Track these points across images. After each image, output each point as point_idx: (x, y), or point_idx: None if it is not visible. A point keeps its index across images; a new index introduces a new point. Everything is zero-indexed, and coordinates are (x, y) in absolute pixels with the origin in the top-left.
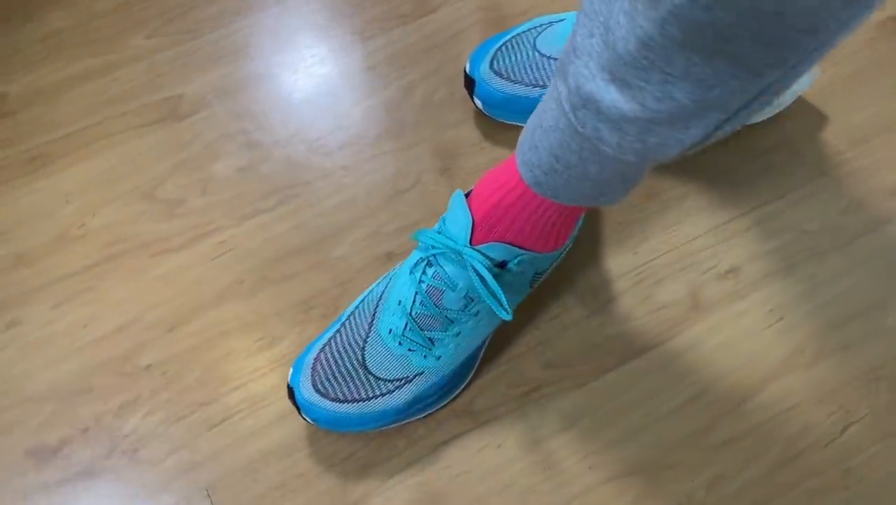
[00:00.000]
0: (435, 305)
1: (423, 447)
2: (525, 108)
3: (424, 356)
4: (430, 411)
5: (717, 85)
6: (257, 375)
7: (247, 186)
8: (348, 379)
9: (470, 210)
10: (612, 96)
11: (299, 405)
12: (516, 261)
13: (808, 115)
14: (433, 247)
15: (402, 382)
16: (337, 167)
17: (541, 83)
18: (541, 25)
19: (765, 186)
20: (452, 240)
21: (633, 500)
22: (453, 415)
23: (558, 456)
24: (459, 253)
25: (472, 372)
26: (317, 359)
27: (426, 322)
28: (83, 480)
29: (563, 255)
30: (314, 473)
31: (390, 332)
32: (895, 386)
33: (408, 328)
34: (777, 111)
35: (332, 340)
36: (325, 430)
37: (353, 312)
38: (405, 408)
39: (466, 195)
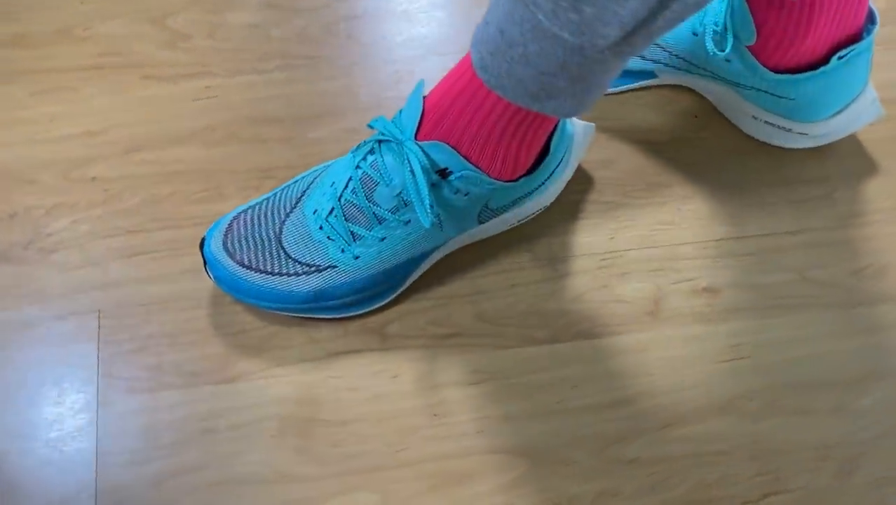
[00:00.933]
0: (366, 196)
1: (320, 350)
2: None
3: (342, 250)
4: (337, 316)
5: None
6: (189, 223)
7: (252, 43)
8: (259, 247)
9: (424, 99)
10: None
11: (205, 258)
12: (459, 174)
13: (856, 159)
14: (382, 134)
15: (312, 269)
16: (344, 54)
17: None
18: None
19: (781, 217)
20: (399, 129)
21: (512, 481)
22: (363, 329)
23: (451, 409)
24: (401, 144)
25: (394, 294)
26: (236, 218)
27: (353, 213)
28: None
29: (516, 202)
30: (205, 334)
31: (315, 212)
32: (843, 473)
33: (333, 214)
34: (826, 142)
35: (257, 206)
36: (229, 298)
37: (287, 186)
38: (308, 298)
39: None
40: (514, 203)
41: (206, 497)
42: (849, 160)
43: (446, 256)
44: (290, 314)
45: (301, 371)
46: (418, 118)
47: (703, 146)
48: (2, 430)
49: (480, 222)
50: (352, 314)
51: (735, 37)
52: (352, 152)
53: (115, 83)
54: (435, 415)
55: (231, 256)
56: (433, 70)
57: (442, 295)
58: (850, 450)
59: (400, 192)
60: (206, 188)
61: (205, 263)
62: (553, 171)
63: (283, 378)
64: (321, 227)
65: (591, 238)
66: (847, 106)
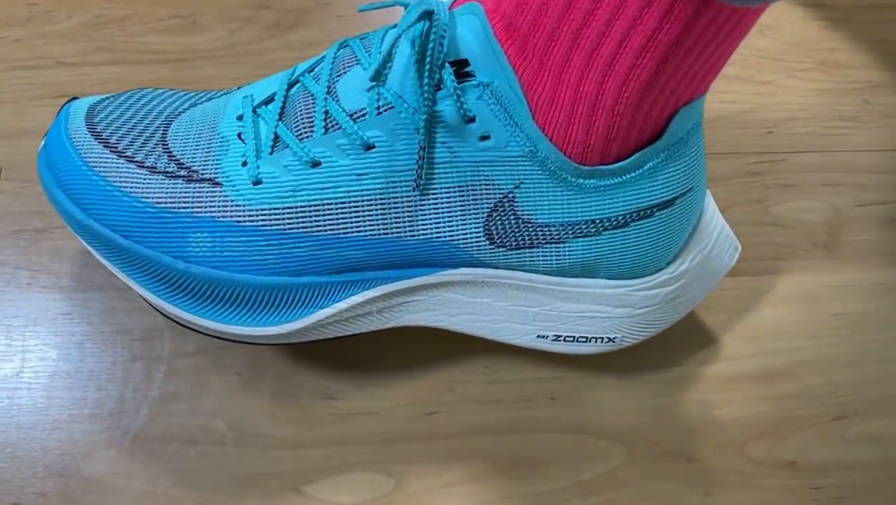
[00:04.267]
0: (328, 83)
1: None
2: None
3: (244, 161)
4: (164, 301)
5: None
6: (144, 60)
7: None
8: (133, 123)
9: None
10: None
11: (57, 116)
12: (487, 82)
13: None
14: None
15: (182, 173)
16: None
17: None
18: None
19: None
20: None
21: (603, 475)
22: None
23: (501, 362)
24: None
25: (287, 322)
26: (142, 90)
27: (295, 110)
28: None
29: (572, 228)
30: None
31: (247, 97)
32: None
33: (271, 104)
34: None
35: (191, 93)
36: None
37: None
38: (146, 227)
39: None
40: (556, 232)
41: (124, 457)
42: None
43: None
44: (105, 258)
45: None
46: None
47: None
48: None
49: (490, 241)
50: (212, 322)
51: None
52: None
53: None
54: (486, 366)
55: (88, 118)
56: None
57: None
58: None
59: (374, 87)
60: (176, 15)
61: (56, 118)
62: (650, 211)
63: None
64: (239, 118)
65: (741, 130)
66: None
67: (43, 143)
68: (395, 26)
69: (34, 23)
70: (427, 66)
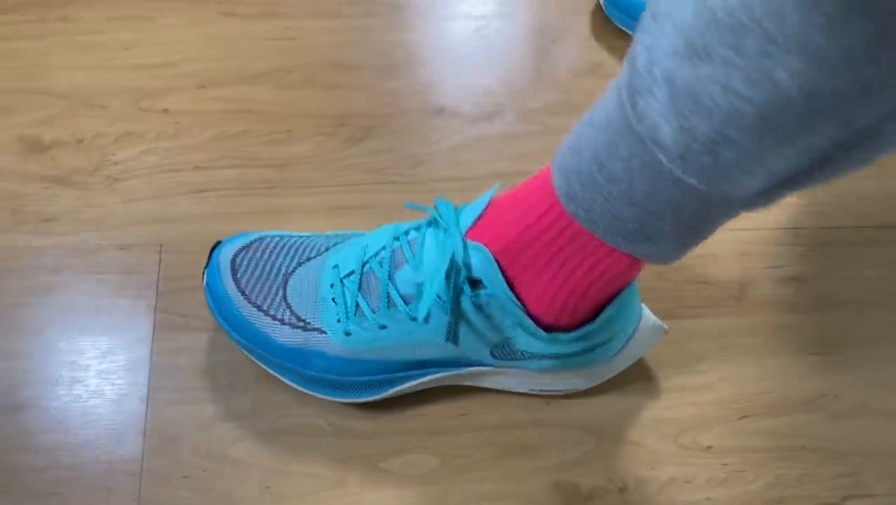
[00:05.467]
0: (389, 272)
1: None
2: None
3: (339, 319)
4: (313, 392)
5: (843, 67)
6: (256, 165)
7: None
8: (264, 278)
9: (489, 202)
10: (685, 74)
11: (210, 260)
12: (490, 292)
13: None
14: (436, 214)
15: (300, 324)
16: (429, 4)
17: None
18: None
19: (876, 209)
20: (454, 216)
21: (577, 458)
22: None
23: None
24: (447, 232)
25: (382, 395)
26: (261, 239)
27: (369, 285)
28: (58, 185)
29: (539, 357)
30: None
31: (335, 267)
32: None
33: (350, 277)
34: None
35: (286, 238)
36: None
37: (328, 235)
38: (281, 352)
39: None
40: (537, 357)
41: (256, 444)
42: None
43: None
44: (260, 362)
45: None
46: (477, 215)
47: None
48: (52, 357)
49: (494, 357)
50: (329, 398)
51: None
52: (402, 224)
53: (192, 16)
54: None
55: (234, 273)
56: (507, 29)
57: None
58: None
59: (422, 282)
60: (277, 130)
61: (207, 264)
62: (595, 348)
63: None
64: (332, 286)
65: None
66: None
67: (204, 281)
68: (430, 224)
69: (178, 137)
70: (453, 284)
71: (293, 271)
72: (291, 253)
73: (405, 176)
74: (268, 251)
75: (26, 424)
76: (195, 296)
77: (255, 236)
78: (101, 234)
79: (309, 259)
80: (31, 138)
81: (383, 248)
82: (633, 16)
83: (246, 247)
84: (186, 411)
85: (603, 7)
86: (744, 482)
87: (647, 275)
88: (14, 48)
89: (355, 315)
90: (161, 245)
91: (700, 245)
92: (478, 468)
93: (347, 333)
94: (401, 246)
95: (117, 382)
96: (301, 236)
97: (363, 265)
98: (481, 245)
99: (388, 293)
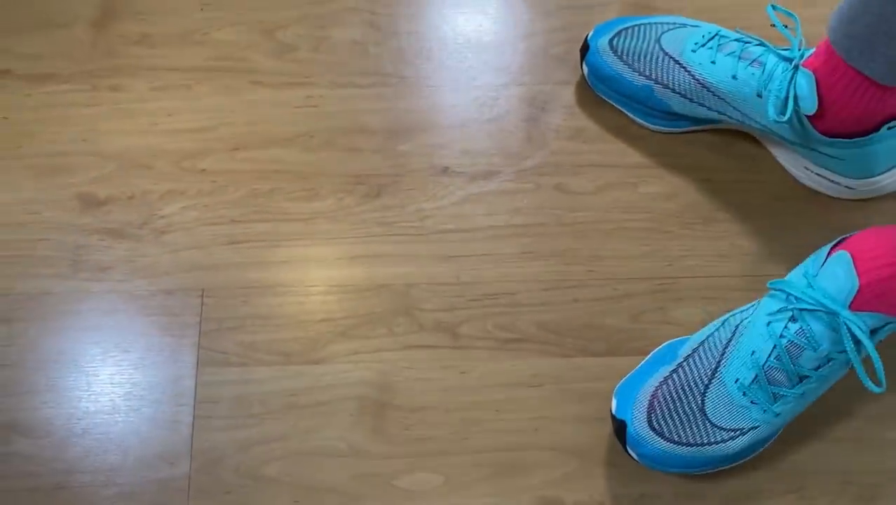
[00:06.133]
0: (791, 361)
1: (397, 342)
2: (625, 90)
3: (764, 410)
4: (749, 458)
5: None
6: (287, 218)
7: (353, 59)
8: (685, 421)
9: (857, 272)
10: None
11: (629, 439)
12: (887, 328)
13: None
14: (798, 299)
15: (738, 432)
16: (435, 76)
17: (649, 74)
18: (673, 24)
19: None
20: (829, 299)
21: (562, 476)
22: (437, 327)
23: (512, 406)
24: (836, 315)
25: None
26: (654, 396)
27: (775, 377)
28: (112, 236)
29: None
30: (296, 319)
31: (736, 381)
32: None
33: (756, 381)
34: (871, 196)
35: (670, 379)
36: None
37: (693, 353)
38: (735, 457)
39: (837, 243)
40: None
41: (287, 464)
42: (892, 214)
43: (515, 270)
44: (705, 471)
45: (380, 359)
46: (854, 293)
47: (759, 188)
48: (110, 389)
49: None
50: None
51: (796, 105)
52: (767, 317)
53: (226, 86)
54: (497, 410)
55: (660, 435)
56: (503, 98)
57: (508, 302)
58: (866, 477)
59: (828, 354)
60: (304, 188)
61: (625, 442)
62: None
63: (363, 364)
64: (744, 394)
65: (650, 263)
66: (893, 168)
67: (636, 455)
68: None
69: (215, 194)
70: (870, 343)
71: (702, 404)
72: (687, 391)
73: (414, 228)
74: (668, 402)
75: (88, 448)
76: (233, 335)
77: (642, 396)
78: (150, 280)
79: (707, 387)
80: (87, 195)
81: (774, 347)
82: (613, 87)
83: (647, 410)
84: (227, 436)
85: (586, 79)
86: None
87: (623, 315)
88: (70, 114)
89: (775, 401)
90: (203, 290)
91: (668, 290)
92: (477, 486)
93: (777, 414)
94: (791, 341)
95: (167, 410)
96: (673, 372)
97: (763, 368)
98: (878, 314)
99: (798, 374)
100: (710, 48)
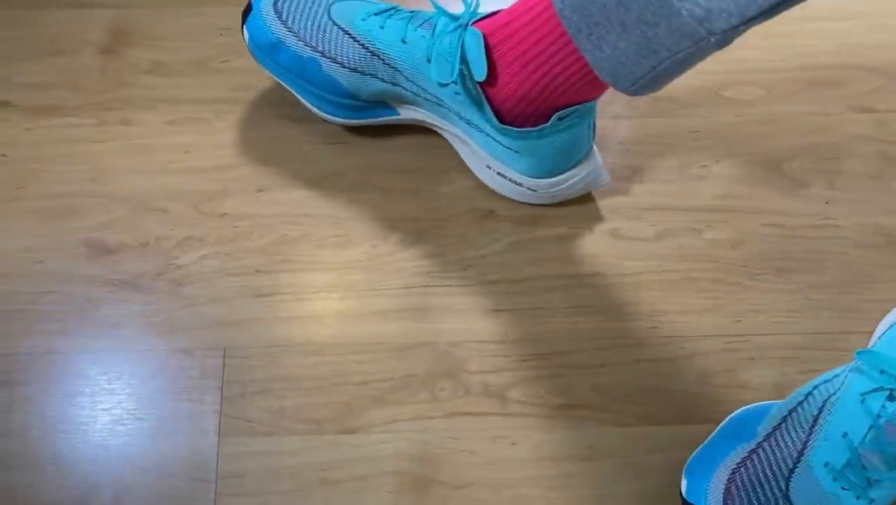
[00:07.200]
0: (889, 442)
1: (441, 408)
2: (289, 63)
3: (858, 497)
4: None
5: None
6: (317, 267)
7: None
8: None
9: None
10: None
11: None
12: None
13: None
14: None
15: None
16: None
17: (315, 46)
18: None
19: None
20: None
21: None
22: (485, 392)
23: (565, 483)
24: None
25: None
26: (731, 480)
27: (871, 460)
28: (123, 289)
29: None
30: (328, 381)
31: (826, 465)
32: None
33: (848, 465)
34: (554, 201)
35: (749, 460)
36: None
37: (774, 431)
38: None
39: None
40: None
41: None
42: None
43: (568, 326)
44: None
45: (421, 428)
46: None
47: (836, 234)
48: (122, 463)
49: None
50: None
51: (463, 68)
52: (860, 395)
53: (248, 120)
54: (550, 488)
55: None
56: None
57: (562, 364)
58: None
59: None
60: (335, 234)
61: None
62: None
63: (402, 433)
64: (835, 479)
65: (716, 319)
66: (570, 168)
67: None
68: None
69: (238, 241)
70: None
71: (786, 490)
72: (770, 475)
73: (457, 279)
74: (748, 488)
75: None
76: (259, 400)
77: (717, 477)
78: (166, 338)
79: (792, 472)
80: (96, 242)
81: (871, 427)
82: (276, 59)
83: (724, 496)
84: None
85: (249, 50)
86: None
87: (689, 378)
88: (76, 151)
89: (870, 486)
90: (225, 349)
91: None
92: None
93: (871, 501)
94: (889, 421)
95: (185, 487)
96: (753, 451)
97: (857, 451)
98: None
99: (894, 456)
100: (381, 16)
